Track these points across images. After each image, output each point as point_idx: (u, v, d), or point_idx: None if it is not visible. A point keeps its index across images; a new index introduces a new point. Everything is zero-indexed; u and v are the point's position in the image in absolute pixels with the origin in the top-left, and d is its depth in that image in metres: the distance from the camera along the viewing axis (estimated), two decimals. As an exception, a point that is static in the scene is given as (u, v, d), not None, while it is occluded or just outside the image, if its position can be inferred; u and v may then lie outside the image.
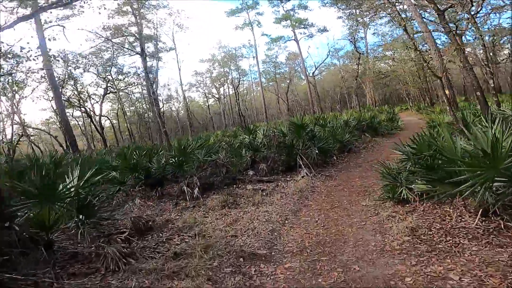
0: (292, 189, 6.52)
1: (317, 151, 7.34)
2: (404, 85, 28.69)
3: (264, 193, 6.44)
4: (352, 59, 29.91)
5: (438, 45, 16.13)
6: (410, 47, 25.39)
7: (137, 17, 31.96)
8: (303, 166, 7.48)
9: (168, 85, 38.50)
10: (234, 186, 7.56)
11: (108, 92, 26.76)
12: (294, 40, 40.18)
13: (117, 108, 36.70)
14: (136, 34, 31.59)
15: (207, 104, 50.66)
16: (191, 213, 5.90)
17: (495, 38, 26.02)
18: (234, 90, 35.56)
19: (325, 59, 38.13)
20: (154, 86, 28.22)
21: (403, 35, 29.40)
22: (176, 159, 7.50)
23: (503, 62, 31.38)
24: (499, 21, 26.69)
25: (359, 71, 23.82)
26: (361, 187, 6.14)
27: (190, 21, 68.88)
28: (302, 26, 38.34)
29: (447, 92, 15.04)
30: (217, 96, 47.92)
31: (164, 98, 43.01)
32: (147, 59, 32.89)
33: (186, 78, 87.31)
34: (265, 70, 47.83)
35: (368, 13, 18.71)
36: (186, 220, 5.41)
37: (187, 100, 57.16)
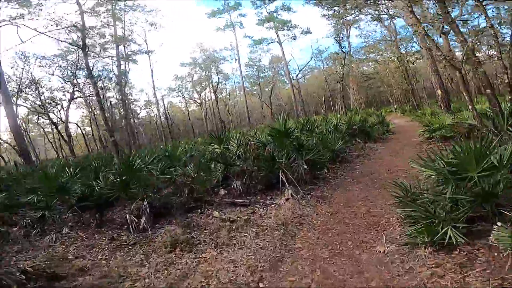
0: (273, 220, 4.73)
1: (305, 166, 5.59)
2: (388, 87, 27.77)
3: (234, 226, 4.61)
4: (336, 61, 28.78)
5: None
6: (394, 47, 24.63)
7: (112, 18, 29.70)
8: (287, 184, 5.72)
9: (142, 89, 35.64)
10: (199, 211, 5.76)
11: (75, 97, 24.18)
12: (278, 42, 38.82)
13: (89, 114, 33.93)
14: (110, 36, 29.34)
15: (188, 109, 48.33)
16: (126, 255, 4.04)
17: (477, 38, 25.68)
18: (214, 94, 33.60)
19: (308, 62, 37.03)
20: (121, 90, 25.91)
21: (387, 38, 28.71)
22: (120, 178, 5.58)
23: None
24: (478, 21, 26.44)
25: (344, 72, 22.58)
26: (368, 215, 4.43)
27: (167, 22, 66.20)
28: (286, 28, 37.07)
29: (439, 92, 13.82)
30: (198, 101, 45.74)
31: (142, 104, 40.56)
32: (121, 62, 30.63)
33: (166, 82, 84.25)
34: (248, 74, 46.30)
35: (353, 11, 17.47)
36: (110, 272, 3.55)
37: (168, 105, 54.86)
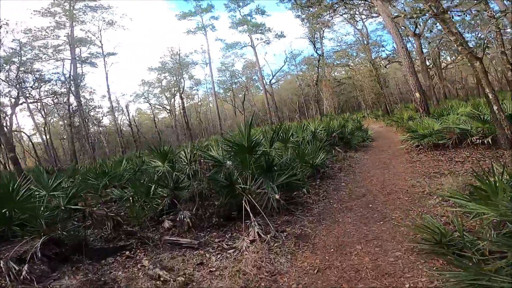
0: (227, 283, 3.00)
1: (277, 196, 3.92)
2: (360, 92, 27.32)
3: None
4: (309, 65, 27.89)
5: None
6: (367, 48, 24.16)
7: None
8: (253, 218, 4.02)
9: (104, 95, 32.43)
10: (126, 253, 3.97)
11: (20, 102, 20.98)
12: (251, 46, 37.52)
13: (44, 121, 30.22)
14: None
15: (156, 116, 45.44)
16: None
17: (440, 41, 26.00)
18: (181, 99, 31.43)
19: (282, 66, 36.07)
20: (77, 95, 23.05)
21: (359, 42, 28.42)
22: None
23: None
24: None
25: (318, 74, 21.59)
26: (377, 274, 2.80)
27: (136, 25, 62.92)
28: (259, 31, 35.95)
29: (417, 95, 12.93)
30: (168, 107, 43.08)
31: (106, 110, 37.16)
32: (78, 64, 27.54)
33: (134, 88, 79.83)
34: (221, 80, 44.57)
35: (327, 11, 16.45)
36: None
37: (136, 112, 51.52)
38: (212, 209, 4.60)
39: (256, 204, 4.19)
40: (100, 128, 34.47)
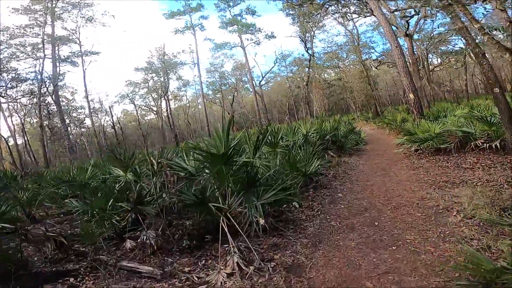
0: None
1: (262, 221, 3.08)
2: (350, 94, 26.89)
3: None
4: (300, 67, 27.29)
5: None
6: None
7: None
8: (232, 242, 3.17)
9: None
10: (71, 281, 3.16)
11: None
12: (241, 46, 36.68)
13: (21, 122, 28.46)
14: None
15: (143, 118, 44.01)
16: None
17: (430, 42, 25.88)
18: (165, 100, 30.30)
19: (272, 67, 35.37)
20: (56, 95, 21.66)
21: (350, 43, 28.03)
22: None
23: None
24: (432, 26, 26.81)
25: (309, 75, 20.97)
26: None
27: (125, 24, 61.21)
28: (250, 31, 35.18)
29: (411, 96, 12.38)
30: (155, 109, 41.70)
31: (88, 112, 35.48)
32: (56, 63, 26.03)
33: (119, 88, 77.63)
34: (211, 81, 43.52)
35: (319, 10, 15.81)
36: None
37: (122, 113, 49.91)
38: (183, 229, 3.71)
39: (236, 225, 3.33)
40: (82, 130, 32.88)
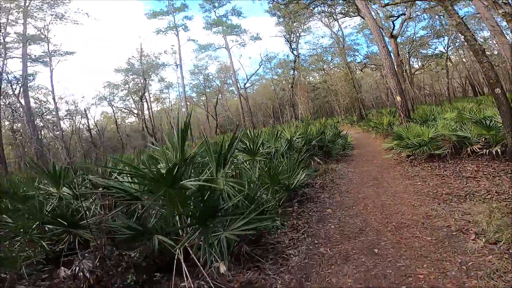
0: None
1: (223, 269, 2.23)
2: (335, 96, 26.58)
3: None
4: (285, 68, 26.74)
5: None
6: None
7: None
8: (191, 282, 2.31)
9: (61, 97, 29.00)
10: None
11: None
12: (225, 48, 35.84)
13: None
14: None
15: (123, 120, 42.19)
16: None
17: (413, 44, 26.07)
18: (140, 102, 28.98)
19: (257, 70, 34.71)
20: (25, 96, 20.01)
21: (335, 46, 27.83)
22: None
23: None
24: (414, 29, 27.05)
25: (294, 76, 20.39)
26: None
27: (103, 24, 58.87)
28: (235, 32, 34.41)
29: (398, 98, 11.95)
30: (135, 111, 40.03)
31: (63, 114, 33.47)
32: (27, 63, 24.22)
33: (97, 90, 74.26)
34: (195, 84, 42.35)
35: (305, 12, 15.24)
36: None
37: (101, 116, 47.83)
38: (129, 260, 2.82)
39: (196, 259, 2.48)
40: (57, 133, 30.87)
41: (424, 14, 24.71)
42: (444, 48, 25.88)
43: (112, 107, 34.30)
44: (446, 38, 27.04)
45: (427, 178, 5.40)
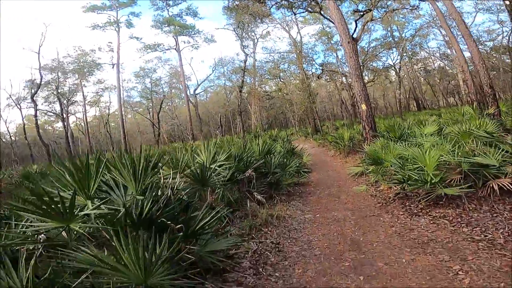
0: None
1: None
2: (290, 106, 24.43)
3: None
4: (239, 74, 23.82)
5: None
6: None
7: None
8: None
9: None
10: None
11: None
12: (176, 49, 31.70)
13: None
14: None
15: (51, 125, 35.22)
16: None
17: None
18: (60, 106, 23.85)
19: (210, 75, 31.38)
20: None
21: (292, 51, 25.83)
22: None
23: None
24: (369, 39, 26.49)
25: (243, 79, 17.53)
26: None
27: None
28: (187, 33, 30.55)
29: (363, 107, 9.62)
30: (63, 116, 33.49)
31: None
32: None
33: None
34: (142, 88, 37.24)
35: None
36: None
37: (25, 119, 40.00)
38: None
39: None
40: None
41: (380, 25, 24.09)
42: (392, 61, 25.62)
43: (19, 111, 27.81)
44: (395, 51, 26.97)
45: (447, 244, 2.63)
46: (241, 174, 4.53)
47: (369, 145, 7.10)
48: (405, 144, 5.63)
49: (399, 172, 4.33)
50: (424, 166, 4.05)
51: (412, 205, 4.02)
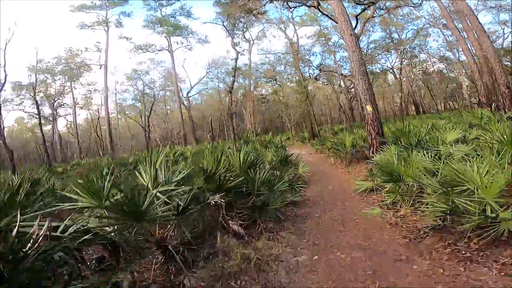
0: None
1: None
2: (286, 110, 23.18)
3: None
4: (231, 75, 22.61)
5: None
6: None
7: None
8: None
9: None
10: None
11: None
12: (168, 50, 30.47)
13: None
14: None
15: (42, 127, 33.62)
16: None
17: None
18: (51, 109, 22.44)
19: (203, 77, 30.15)
20: None
21: (288, 53, 24.67)
22: None
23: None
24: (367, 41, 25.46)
25: (235, 78, 16.27)
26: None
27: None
28: (180, 33, 29.31)
29: (369, 108, 8.38)
30: (51, 118, 32.09)
31: None
32: None
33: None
34: (133, 90, 35.88)
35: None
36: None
37: (15, 121, 38.74)
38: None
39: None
40: None
41: (378, 27, 23.09)
42: (390, 64, 24.61)
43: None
44: (393, 53, 25.98)
45: None
46: (210, 197, 3.21)
47: (377, 153, 5.83)
48: (430, 155, 4.37)
49: (441, 198, 3.01)
50: (476, 189, 2.75)
51: (459, 244, 2.73)
